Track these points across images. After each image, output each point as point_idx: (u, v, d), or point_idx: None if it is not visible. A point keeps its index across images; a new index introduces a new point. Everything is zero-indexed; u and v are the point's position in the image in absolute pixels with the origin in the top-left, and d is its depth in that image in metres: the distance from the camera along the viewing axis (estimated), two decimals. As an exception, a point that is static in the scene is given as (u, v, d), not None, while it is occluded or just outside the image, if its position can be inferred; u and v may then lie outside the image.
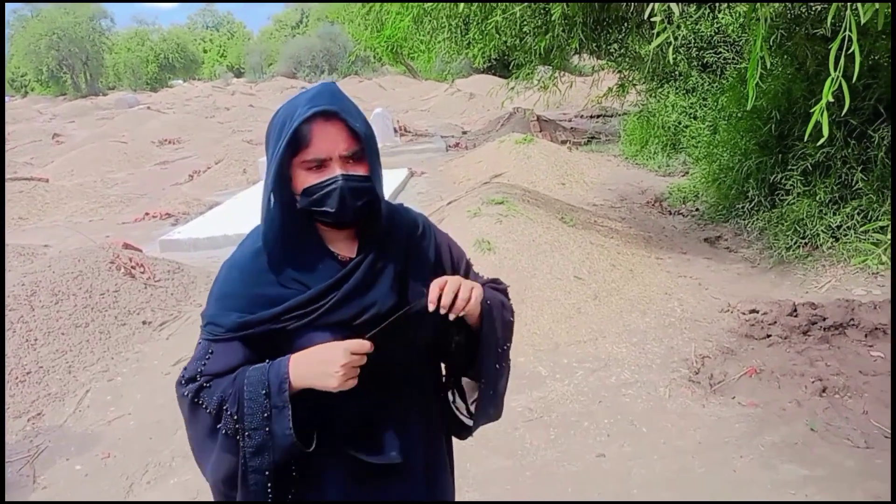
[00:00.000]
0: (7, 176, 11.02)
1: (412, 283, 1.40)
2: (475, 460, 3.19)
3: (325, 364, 1.24)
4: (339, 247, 1.37)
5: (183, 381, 1.32)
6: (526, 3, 5.48)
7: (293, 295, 1.31)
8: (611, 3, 5.58)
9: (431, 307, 1.28)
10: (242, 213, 8.39)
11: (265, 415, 1.24)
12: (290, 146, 1.25)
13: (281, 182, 1.28)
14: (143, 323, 5.14)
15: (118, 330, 4.96)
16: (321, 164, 1.27)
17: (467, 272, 1.54)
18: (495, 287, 1.52)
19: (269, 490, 1.28)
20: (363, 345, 1.25)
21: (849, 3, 2.37)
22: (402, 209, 1.49)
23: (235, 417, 1.25)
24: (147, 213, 9.61)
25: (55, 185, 11.22)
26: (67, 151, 16.38)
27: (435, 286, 1.29)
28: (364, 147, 1.29)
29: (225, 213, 8.83)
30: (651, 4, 2.91)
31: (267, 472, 1.27)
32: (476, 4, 5.82)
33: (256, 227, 1.39)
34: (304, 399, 1.28)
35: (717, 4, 6.72)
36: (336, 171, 1.27)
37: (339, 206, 1.27)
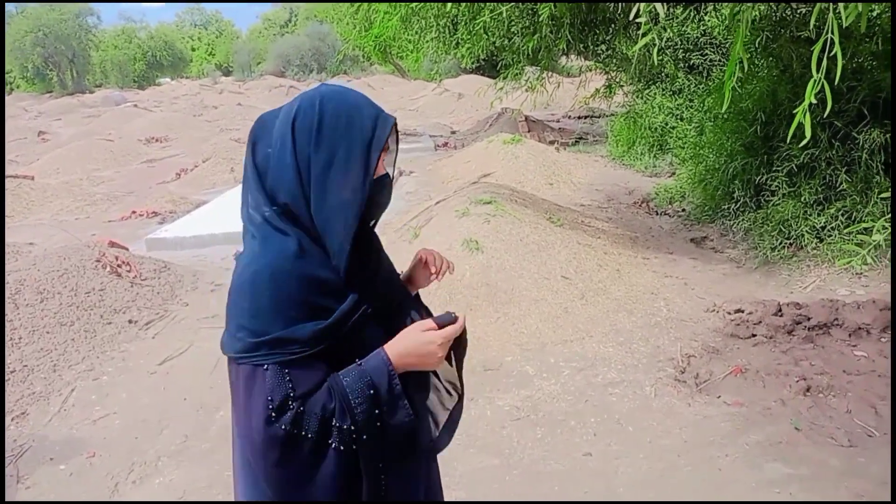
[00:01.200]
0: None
1: (396, 270, 1.53)
2: (462, 459, 3.20)
3: (428, 345, 1.28)
4: None
5: (273, 418, 1.18)
6: (513, 4, 5.49)
7: (345, 290, 1.28)
8: (598, 2, 5.60)
9: (433, 268, 1.54)
10: (230, 211, 8.32)
11: (377, 412, 1.23)
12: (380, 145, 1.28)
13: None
14: (129, 322, 5.11)
15: (104, 329, 4.93)
16: (377, 160, 1.31)
17: None
18: None
19: (383, 487, 1.27)
20: (457, 329, 1.31)
21: (831, 5, 2.39)
22: None
23: (353, 428, 1.21)
24: (133, 212, 9.54)
25: (41, 182, 11.11)
26: (53, 149, 16.23)
27: (428, 255, 1.54)
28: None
29: (212, 211, 8.78)
30: (637, 5, 2.92)
31: (383, 470, 1.27)
32: (464, 4, 5.82)
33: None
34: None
35: (702, 6, 6.75)
36: (384, 168, 1.34)
37: (389, 200, 1.38)
